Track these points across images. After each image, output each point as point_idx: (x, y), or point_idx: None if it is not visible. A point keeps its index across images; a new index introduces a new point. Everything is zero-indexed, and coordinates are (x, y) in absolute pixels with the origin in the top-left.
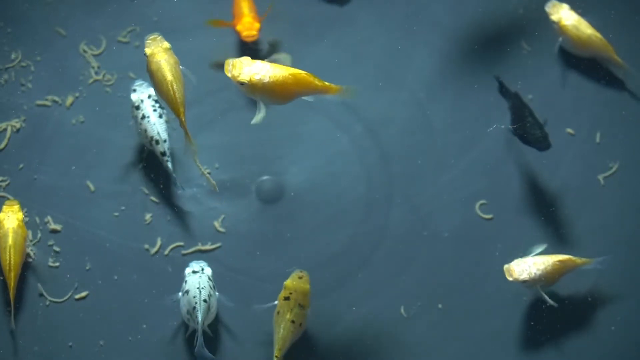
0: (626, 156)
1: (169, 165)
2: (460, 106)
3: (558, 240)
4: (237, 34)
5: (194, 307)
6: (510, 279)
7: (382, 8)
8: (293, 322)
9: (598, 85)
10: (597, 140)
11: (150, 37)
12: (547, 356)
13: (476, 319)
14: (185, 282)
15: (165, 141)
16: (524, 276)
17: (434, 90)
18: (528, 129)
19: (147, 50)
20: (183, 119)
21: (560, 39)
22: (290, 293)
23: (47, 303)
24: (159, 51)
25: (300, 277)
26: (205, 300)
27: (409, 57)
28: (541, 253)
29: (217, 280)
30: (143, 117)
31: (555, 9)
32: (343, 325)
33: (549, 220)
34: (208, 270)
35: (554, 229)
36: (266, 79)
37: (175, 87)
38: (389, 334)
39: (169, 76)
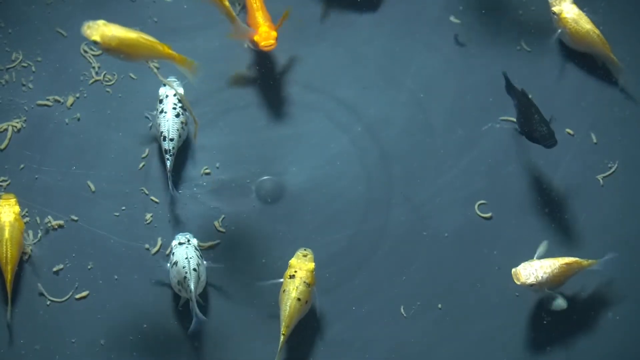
0: (625, 156)
1: (168, 164)
2: (460, 106)
3: (558, 240)
4: (255, 44)
5: (185, 277)
6: (518, 283)
7: (382, 8)
8: (299, 299)
9: (597, 85)
10: (595, 140)
11: (85, 31)
12: (547, 356)
13: (476, 319)
14: (173, 253)
15: (172, 140)
16: (531, 280)
17: (434, 90)
18: (534, 127)
19: (96, 37)
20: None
21: (559, 30)
22: (295, 271)
23: (48, 303)
24: (102, 28)
25: (304, 255)
26: (194, 269)
27: (409, 57)
28: (544, 251)
29: (217, 280)
30: (162, 111)
31: (557, 1)
32: (343, 325)
33: (548, 220)
34: (194, 241)
35: (553, 229)
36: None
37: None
38: (389, 334)
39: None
